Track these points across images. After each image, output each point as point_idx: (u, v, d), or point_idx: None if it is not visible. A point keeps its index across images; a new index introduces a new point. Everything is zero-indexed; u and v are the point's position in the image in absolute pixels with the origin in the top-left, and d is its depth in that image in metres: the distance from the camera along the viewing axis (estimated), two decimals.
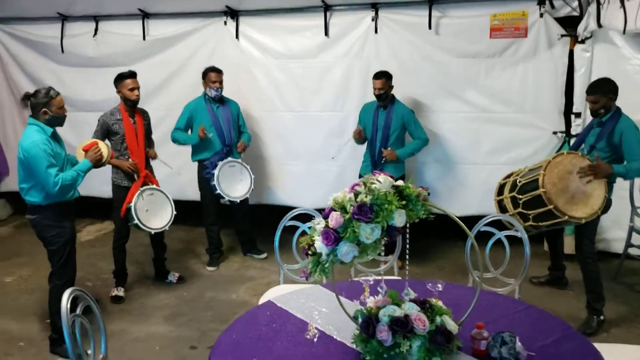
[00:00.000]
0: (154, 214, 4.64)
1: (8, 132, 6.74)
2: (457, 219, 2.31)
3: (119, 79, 4.52)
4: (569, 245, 4.89)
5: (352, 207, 2.13)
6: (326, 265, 2.19)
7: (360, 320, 2.31)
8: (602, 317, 4.00)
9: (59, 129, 3.85)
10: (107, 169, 4.73)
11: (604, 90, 3.87)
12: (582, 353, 2.27)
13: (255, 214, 5.79)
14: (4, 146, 6.86)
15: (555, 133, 5.11)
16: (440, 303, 2.36)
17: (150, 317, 4.49)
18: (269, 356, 2.31)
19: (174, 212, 4.72)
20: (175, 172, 5.46)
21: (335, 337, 2.43)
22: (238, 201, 5.21)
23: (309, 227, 2.82)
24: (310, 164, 5.77)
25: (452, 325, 2.25)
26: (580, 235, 4.01)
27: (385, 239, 2.21)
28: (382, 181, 2.15)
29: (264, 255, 5.60)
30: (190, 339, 4.12)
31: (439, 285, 2.50)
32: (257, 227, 5.72)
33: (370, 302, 2.39)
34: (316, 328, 2.48)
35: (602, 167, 3.76)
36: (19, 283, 5.22)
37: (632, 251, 4.75)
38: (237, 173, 5.20)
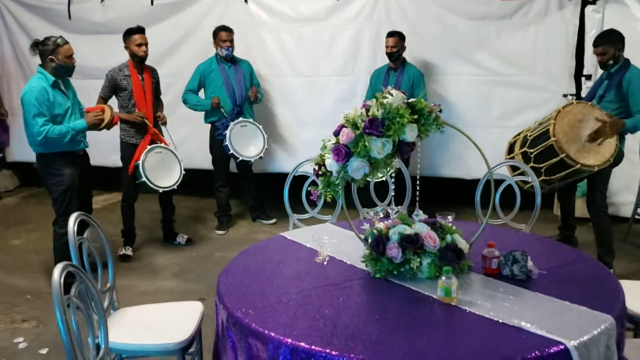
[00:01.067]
0: (162, 173, 4.60)
1: (14, 101, 6.73)
2: (473, 140, 2.30)
3: (127, 34, 4.53)
4: (579, 208, 4.86)
5: (363, 123, 2.12)
6: (337, 182, 2.18)
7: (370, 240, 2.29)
8: (612, 271, 3.97)
9: None
10: (115, 136, 4.77)
11: (611, 40, 3.86)
12: (596, 273, 2.25)
13: (262, 183, 5.78)
14: (10, 115, 6.88)
15: (565, 96, 5.07)
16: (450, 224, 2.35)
17: (158, 274, 4.50)
18: (278, 276, 2.30)
19: (183, 172, 4.69)
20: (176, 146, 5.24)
21: (345, 261, 2.42)
22: (252, 161, 5.20)
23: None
24: (319, 130, 5.72)
25: (462, 243, 2.24)
26: (592, 187, 3.99)
27: (398, 156, 2.20)
28: (394, 95, 2.13)
29: (273, 221, 5.58)
30: (199, 291, 4.11)
31: (449, 217, 2.49)
32: (264, 194, 5.70)
33: (381, 225, 2.38)
34: (326, 254, 2.48)
35: (617, 123, 3.72)
36: (26, 245, 5.24)
37: None
38: (249, 133, 5.15)
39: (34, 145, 3.83)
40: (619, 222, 5.02)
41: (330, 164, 2.17)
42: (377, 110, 2.11)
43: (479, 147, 2.30)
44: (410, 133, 2.11)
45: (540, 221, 5.18)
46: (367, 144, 2.09)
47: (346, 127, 2.17)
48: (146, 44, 4.54)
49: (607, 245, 3.99)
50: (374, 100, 2.15)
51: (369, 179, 3.76)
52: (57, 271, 1.87)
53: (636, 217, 4.76)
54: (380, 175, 3.90)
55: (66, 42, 3.76)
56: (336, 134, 2.20)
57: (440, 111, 2.22)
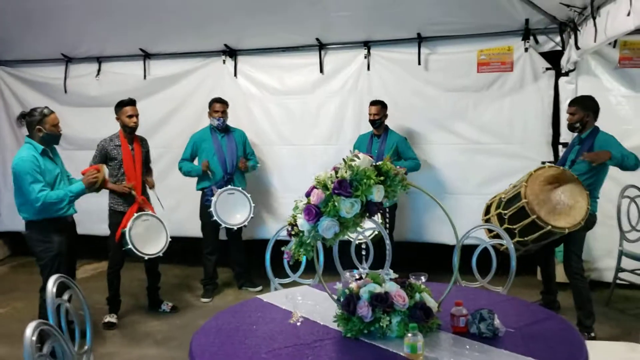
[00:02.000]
0: (148, 240, 4.65)
1: (8, 172, 6.80)
2: (439, 202, 2.40)
3: (119, 106, 4.69)
4: (561, 274, 4.91)
5: (332, 184, 2.22)
6: (308, 242, 2.26)
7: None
8: (593, 334, 3.99)
9: None
10: (105, 206, 4.85)
11: (582, 104, 4.05)
12: (562, 331, 2.29)
13: (250, 250, 5.81)
14: (3, 186, 6.98)
15: (543, 163, 5.19)
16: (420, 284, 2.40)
17: (141, 342, 4.47)
18: (251, 336, 2.33)
19: (169, 239, 4.75)
20: (165, 211, 5.21)
21: (318, 321, 2.46)
22: (234, 229, 5.26)
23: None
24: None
25: (431, 302, 2.29)
26: (567, 251, 4.06)
27: (366, 216, 2.29)
28: (362, 158, 2.24)
29: (259, 288, 5.58)
30: (180, 359, 4.08)
31: (422, 278, 2.55)
32: (250, 262, 5.72)
33: (353, 285, 2.43)
34: (300, 315, 2.51)
35: (601, 154, 3.83)
36: (12, 313, 5.21)
37: (623, 276, 4.74)
38: (236, 201, 5.23)
39: (25, 212, 3.89)
40: (603, 287, 5.06)
41: (302, 224, 2.25)
42: (346, 172, 2.22)
43: (444, 209, 2.40)
44: (377, 193, 2.21)
45: (523, 287, 5.24)
46: (336, 204, 2.18)
47: (317, 188, 2.27)
48: (136, 115, 4.70)
49: (587, 309, 4.02)
50: (343, 162, 2.26)
51: (351, 239, 3.89)
52: (30, 329, 1.91)
53: (618, 281, 4.78)
54: (361, 238, 4.00)
55: (52, 112, 3.92)
56: (307, 194, 2.30)
57: (406, 173, 2.32)
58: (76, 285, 2.67)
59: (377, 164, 2.27)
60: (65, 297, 2.57)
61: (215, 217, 5.09)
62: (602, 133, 4.03)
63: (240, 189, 5.30)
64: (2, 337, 4.58)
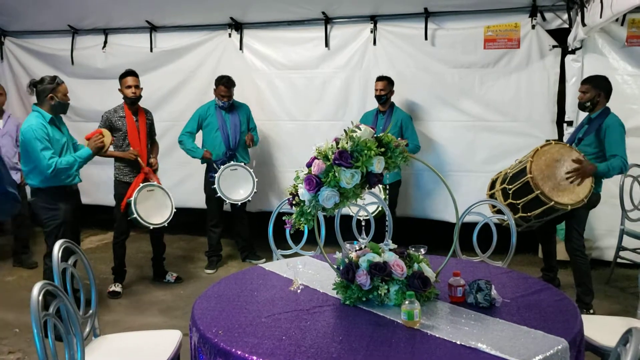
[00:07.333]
0: (154, 210, 4.71)
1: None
2: (442, 177, 2.42)
3: (121, 77, 4.73)
4: (562, 251, 4.93)
5: (333, 155, 2.24)
6: (309, 211, 2.29)
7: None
8: (592, 311, 4.02)
9: None
10: (112, 176, 4.92)
11: (595, 83, 4.02)
12: (557, 302, 2.32)
13: (256, 222, 5.87)
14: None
15: (548, 141, 5.20)
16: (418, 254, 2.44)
17: (145, 310, 4.55)
18: (251, 302, 2.38)
19: (174, 210, 4.80)
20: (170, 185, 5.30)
21: (318, 289, 2.50)
22: (239, 204, 5.30)
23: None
24: None
25: (429, 272, 2.33)
26: (569, 228, 4.08)
27: (367, 187, 2.32)
28: (363, 129, 2.26)
29: (262, 261, 5.63)
30: (184, 328, 4.08)
31: (422, 250, 2.58)
32: (257, 234, 5.78)
33: (353, 254, 2.47)
34: (300, 283, 2.56)
35: (587, 168, 3.84)
36: (19, 282, 5.30)
37: (624, 254, 4.77)
38: (239, 176, 5.27)
39: (32, 179, 3.94)
40: (604, 266, 5.09)
41: (303, 194, 2.28)
42: (347, 143, 2.24)
43: (446, 183, 2.42)
44: (377, 165, 2.23)
45: (524, 264, 5.29)
46: (337, 174, 2.21)
47: (318, 158, 2.29)
48: (136, 86, 4.70)
49: (586, 285, 4.05)
50: (344, 133, 2.28)
51: (353, 214, 3.93)
52: (37, 289, 1.96)
53: (618, 260, 4.81)
54: (364, 214, 4.04)
55: (63, 82, 3.96)
56: (309, 165, 2.32)
57: (407, 145, 2.34)
58: (81, 251, 2.72)
59: (379, 135, 2.29)
60: (71, 261, 2.62)
61: (219, 194, 5.12)
62: (612, 116, 3.99)
63: (242, 164, 5.33)
64: (9, 304, 4.67)
